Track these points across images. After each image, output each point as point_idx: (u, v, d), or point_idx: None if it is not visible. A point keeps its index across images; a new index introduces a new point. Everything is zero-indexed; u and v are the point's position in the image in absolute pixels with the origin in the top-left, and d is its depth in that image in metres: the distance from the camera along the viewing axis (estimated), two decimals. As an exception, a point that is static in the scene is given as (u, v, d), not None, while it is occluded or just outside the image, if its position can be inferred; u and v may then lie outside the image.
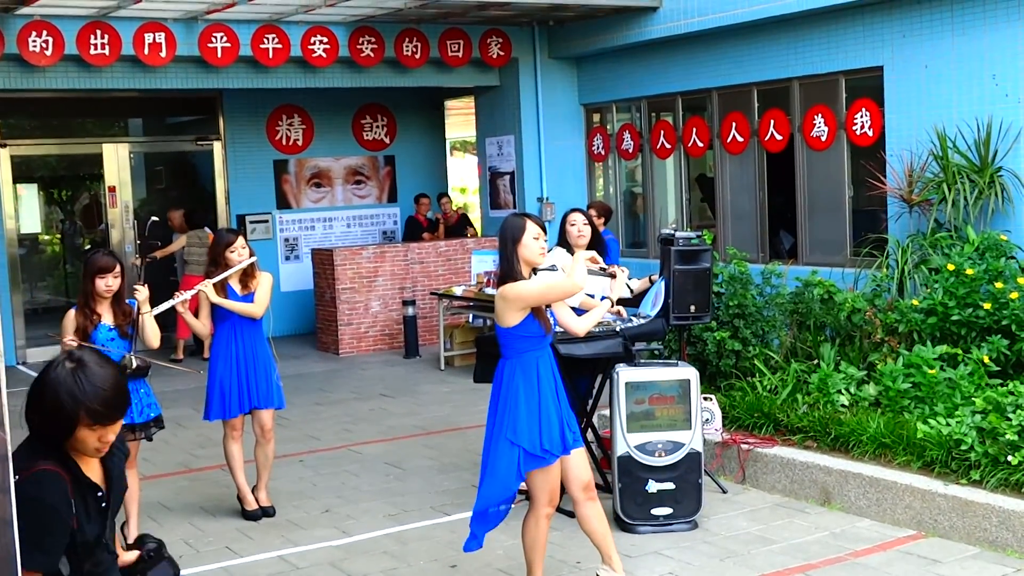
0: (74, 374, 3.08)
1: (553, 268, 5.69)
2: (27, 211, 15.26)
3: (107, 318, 6.65)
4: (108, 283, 6.59)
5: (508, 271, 5.46)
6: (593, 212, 10.04)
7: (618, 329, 7.15)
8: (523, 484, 7.60)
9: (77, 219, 15.97)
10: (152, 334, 6.77)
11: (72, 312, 6.69)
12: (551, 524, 5.73)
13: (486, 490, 5.53)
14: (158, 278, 14.44)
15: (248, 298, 7.43)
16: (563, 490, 5.74)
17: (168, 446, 9.61)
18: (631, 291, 7.58)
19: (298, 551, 6.89)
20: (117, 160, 15.33)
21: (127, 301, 6.76)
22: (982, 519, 6.37)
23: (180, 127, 16.52)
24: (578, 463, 5.64)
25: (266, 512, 7.61)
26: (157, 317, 6.92)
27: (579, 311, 6.22)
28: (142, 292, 6.71)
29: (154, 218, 15.03)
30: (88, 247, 15.36)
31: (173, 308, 7.27)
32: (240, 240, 7.43)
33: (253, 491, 7.67)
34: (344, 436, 9.86)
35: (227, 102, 15.66)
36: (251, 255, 7.46)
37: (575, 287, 5.46)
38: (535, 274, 5.54)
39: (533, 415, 5.40)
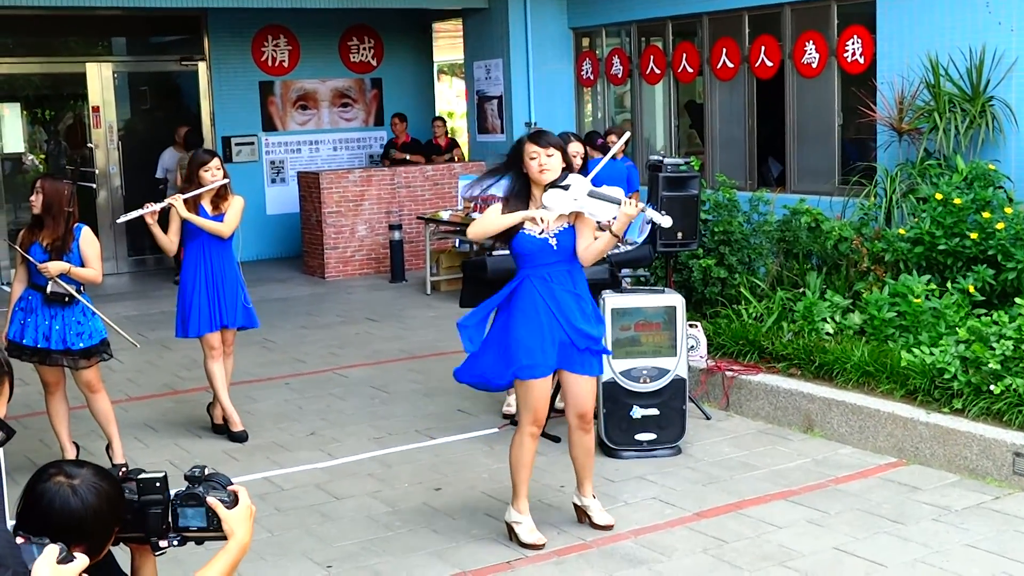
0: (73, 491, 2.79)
1: (567, 187, 5.59)
2: (10, 131, 15.10)
3: (44, 236, 6.67)
4: (33, 201, 6.69)
5: (520, 192, 5.52)
6: (613, 138, 10.00)
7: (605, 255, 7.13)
8: (508, 410, 7.67)
9: (61, 139, 15.82)
10: (90, 274, 6.74)
11: (24, 229, 6.82)
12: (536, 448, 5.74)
13: (484, 356, 5.55)
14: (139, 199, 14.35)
15: (218, 219, 7.48)
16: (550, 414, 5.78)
17: (153, 367, 9.62)
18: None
19: (283, 473, 6.92)
20: (101, 80, 15.14)
21: (74, 227, 6.70)
22: (963, 447, 6.42)
23: (164, 47, 16.29)
24: (577, 391, 5.61)
25: (217, 429, 7.72)
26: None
27: None
28: (51, 269, 6.58)
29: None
30: (71, 167, 15.25)
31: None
32: (215, 161, 7.48)
33: (210, 406, 7.80)
34: (330, 359, 9.86)
35: (212, 22, 15.43)
36: (225, 177, 7.49)
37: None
38: (548, 189, 5.46)
39: (525, 331, 5.40)
